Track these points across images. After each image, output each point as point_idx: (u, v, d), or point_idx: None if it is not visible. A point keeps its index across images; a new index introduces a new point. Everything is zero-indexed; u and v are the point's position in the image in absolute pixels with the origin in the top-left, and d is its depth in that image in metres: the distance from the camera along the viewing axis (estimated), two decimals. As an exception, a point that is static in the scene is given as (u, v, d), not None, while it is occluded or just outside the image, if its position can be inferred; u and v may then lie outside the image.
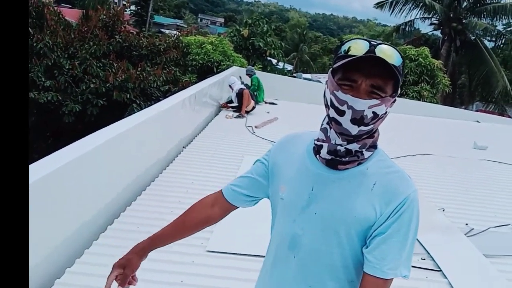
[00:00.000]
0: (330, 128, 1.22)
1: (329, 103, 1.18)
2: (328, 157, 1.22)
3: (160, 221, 3.45)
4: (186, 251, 3.11)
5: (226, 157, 5.61)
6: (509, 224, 4.30)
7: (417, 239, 3.55)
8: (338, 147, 1.20)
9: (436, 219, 4.23)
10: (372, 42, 1.13)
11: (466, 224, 4.20)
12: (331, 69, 1.19)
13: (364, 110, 1.13)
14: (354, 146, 1.19)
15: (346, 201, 1.21)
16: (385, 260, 1.17)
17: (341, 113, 1.15)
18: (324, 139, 1.23)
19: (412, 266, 3.20)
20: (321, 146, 1.23)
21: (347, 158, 1.20)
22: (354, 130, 1.16)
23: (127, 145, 3.98)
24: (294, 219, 1.28)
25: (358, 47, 1.13)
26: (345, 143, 1.19)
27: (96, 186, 3.41)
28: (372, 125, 1.17)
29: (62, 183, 2.82)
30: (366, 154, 1.22)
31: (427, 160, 6.58)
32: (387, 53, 1.11)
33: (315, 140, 1.28)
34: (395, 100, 1.19)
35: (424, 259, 3.40)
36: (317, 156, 1.26)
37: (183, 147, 5.83)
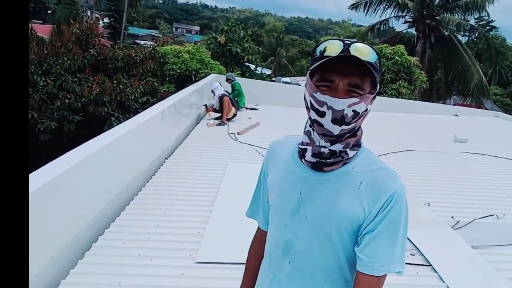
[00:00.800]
0: (313, 130, 1.22)
1: (309, 106, 1.19)
2: (313, 160, 1.22)
3: (146, 235, 3.43)
4: (175, 263, 3.06)
5: (210, 165, 5.56)
6: (493, 215, 4.35)
7: (405, 236, 3.57)
8: (322, 149, 1.20)
9: (422, 214, 4.25)
10: (346, 42, 1.14)
11: (452, 217, 4.23)
12: (308, 71, 1.19)
13: (344, 110, 1.13)
14: (337, 147, 1.19)
15: (334, 202, 1.21)
16: (376, 257, 1.17)
17: (322, 114, 1.15)
18: (308, 141, 1.24)
19: (402, 263, 3.21)
20: (306, 150, 1.23)
21: (331, 160, 1.20)
22: (336, 130, 1.16)
23: (107, 160, 3.89)
24: (286, 225, 1.28)
25: (333, 47, 1.14)
26: (329, 144, 1.19)
27: (77, 204, 3.32)
28: (354, 124, 1.17)
29: (39, 204, 2.73)
30: (351, 153, 1.22)
31: (409, 156, 6.63)
32: (362, 51, 1.12)
33: (299, 144, 1.28)
34: (375, 96, 1.20)
35: (414, 255, 3.40)
36: (302, 160, 1.26)
37: (165, 158, 5.75)
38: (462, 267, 3.29)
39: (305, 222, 1.24)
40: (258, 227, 1.54)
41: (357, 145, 1.24)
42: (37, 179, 2.73)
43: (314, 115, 1.17)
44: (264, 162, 1.46)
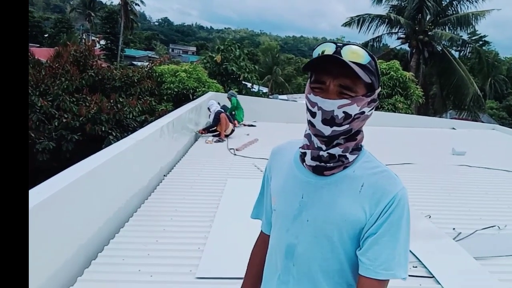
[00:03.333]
0: None
1: (306, 107, 1.21)
2: (313, 163, 1.23)
3: (145, 252, 3.39)
4: (175, 279, 3.02)
5: (209, 181, 5.54)
6: (495, 226, 4.32)
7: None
8: (321, 152, 1.20)
9: (423, 226, 4.23)
10: (338, 44, 1.15)
11: (453, 228, 4.21)
12: (308, 74, 1.24)
13: (333, 110, 1.14)
14: (336, 151, 1.20)
15: (336, 205, 1.20)
16: (378, 261, 1.16)
17: (313, 114, 1.17)
18: (308, 144, 1.25)
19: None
20: (305, 153, 1.25)
21: (331, 164, 1.21)
22: (326, 130, 1.17)
23: (105, 177, 3.87)
24: (288, 229, 1.28)
25: (328, 50, 1.15)
26: (324, 146, 1.20)
27: (76, 222, 3.28)
28: (346, 126, 1.17)
29: (38, 221, 2.70)
30: (351, 157, 1.22)
31: (408, 169, 6.62)
32: (355, 53, 1.13)
33: (300, 147, 1.29)
34: (374, 100, 1.20)
35: (416, 267, 3.37)
36: (304, 163, 1.27)
37: (164, 175, 5.73)
38: (465, 278, 3.25)
39: (307, 226, 1.24)
40: (261, 230, 1.55)
41: (357, 148, 1.25)
42: (36, 196, 2.70)
43: (308, 116, 1.20)
44: (267, 166, 1.47)
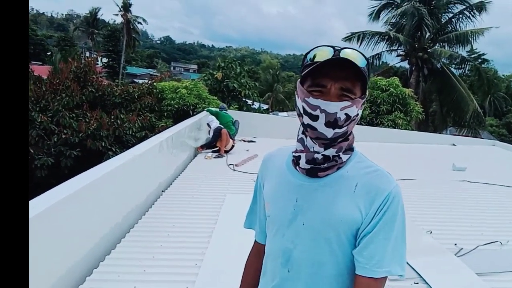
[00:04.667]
0: (306, 136, 1.25)
1: (301, 111, 1.21)
2: (308, 166, 1.23)
3: (141, 268, 3.33)
4: (170, 297, 2.96)
5: (208, 197, 5.49)
6: (497, 241, 4.27)
7: (408, 263, 3.48)
8: (316, 155, 1.21)
9: (424, 241, 4.18)
10: (336, 47, 1.17)
11: (455, 244, 4.15)
12: (299, 78, 1.22)
13: (337, 113, 1.15)
14: (330, 152, 1.21)
15: (331, 206, 1.20)
16: (374, 259, 1.16)
17: (315, 118, 1.17)
18: (302, 149, 1.25)
19: (406, 292, 3.10)
20: (299, 157, 1.25)
21: (325, 165, 1.22)
22: (329, 133, 1.18)
23: (102, 192, 3.83)
24: (283, 234, 1.28)
25: (323, 53, 1.16)
26: (322, 149, 1.21)
27: (71, 238, 3.23)
28: (346, 127, 1.19)
29: (33, 237, 2.66)
30: (344, 157, 1.24)
31: (409, 185, 6.58)
32: (352, 56, 1.15)
33: (293, 152, 1.30)
34: (364, 102, 1.23)
35: (417, 283, 3.31)
36: (297, 167, 1.27)
37: (162, 190, 5.69)
38: (468, 295, 3.19)
39: (303, 230, 1.23)
40: (255, 240, 1.54)
41: (350, 149, 1.26)
42: (30, 210, 2.67)
43: (307, 120, 1.19)
44: (259, 174, 1.47)
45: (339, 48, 1.16)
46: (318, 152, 1.21)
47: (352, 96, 1.16)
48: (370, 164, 1.26)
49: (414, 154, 10.22)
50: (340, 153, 1.22)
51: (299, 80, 1.23)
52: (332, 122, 1.16)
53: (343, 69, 1.12)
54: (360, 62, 1.15)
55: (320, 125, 1.17)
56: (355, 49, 1.18)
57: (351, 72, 1.13)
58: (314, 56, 1.17)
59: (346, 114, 1.16)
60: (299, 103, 1.21)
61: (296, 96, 1.24)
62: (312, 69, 1.14)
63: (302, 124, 1.23)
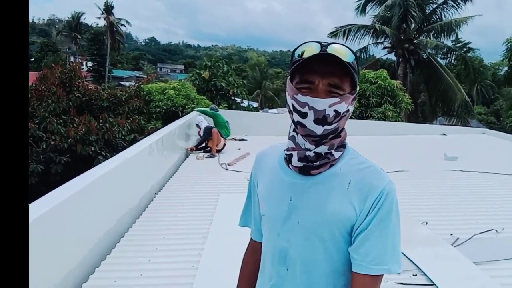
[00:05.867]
0: (297, 134, 1.23)
1: (291, 108, 1.20)
2: (300, 164, 1.22)
3: (138, 272, 3.29)
4: (168, 300, 2.92)
5: (201, 197, 5.45)
6: (492, 229, 4.28)
7: (405, 256, 3.47)
8: (308, 153, 1.20)
9: (420, 233, 4.18)
10: (323, 43, 1.15)
11: (451, 234, 4.16)
12: (289, 75, 1.21)
13: (325, 109, 1.14)
14: (322, 149, 1.20)
15: (325, 204, 1.19)
16: (369, 256, 1.16)
17: (304, 115, 1.16)
18: (294, 146, 1.24)
19: (406, 283, 3.11)
20: (291, 155, 1.24)
21: (318, 162, 1.21)
22: (319, 130, 1.17)
23: (94, 197, 3.77)
24: (279, 233, 1.27)
25: (310, 49, 1.15)
26: (313, 146, 1.19)
27: (65, 245, 3.18)
28: (336, 124, 1.18)
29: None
30: (336, 154, 1.22)
31: (402, 177, 6.60)
32: (339, 51, 1.13)
33: (284, 150, 1.29)
34: (355, 98, 1.22)
35: (416, 275, 3.31)
36: (289, 165, 1.26)
37: (155, 193, 5.63)
38: (466, 284, 3.20)
39: (298, 228, 1.23)
40: (251, 238, 1.53)
41: (342, 146, 1.25)
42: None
43: (296, 117, 1.18)
44: (252, 172, 1.46)
45: (326, 44, 1.15)
46: (309, 150, 1.20)
47: (341, 92, 1.15)
48: (363, 160, 1.25)
49: (405, 146, 10.26)
50: (332, 150, 1.21)
51: (288, 77, 1.21)
52: (321, 119, 1.15)
53: (330, 65, 1.11)
54: (348, 57, 1.14)
55: (309, 122, 1.16)
56: (343, 44, 1.17)
57: (338, 67, 1.12)
58: (303, 53, 1.16)
59: (335, 110, 1.15)
60: (289, 100, 1.20)
61: (286, 93, 1.23)
62: (299, 65, 1.13)
63: (293, 121, 1.22)
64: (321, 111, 1.14)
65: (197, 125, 9.20)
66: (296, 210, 1.23)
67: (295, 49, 1.20)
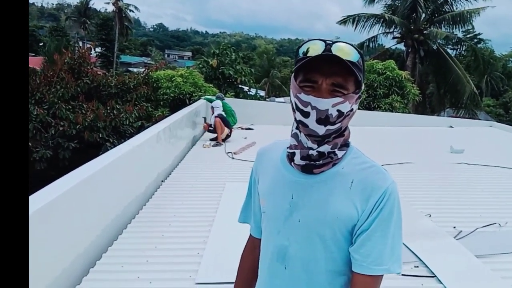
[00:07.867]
0: (300, 132, 1.22)
1: (294, 107, 1.19)
2: (302, 162, 1.21)
3: (144, 258, 3.36)
4: (174, 285, 3.00)
5: (208, 186, 5.51)
6: (495, 223, 4.30)
7: (408, 247, 3.51)
8: (310, 152, 1.19)
9: (423, 225, 4.20)
10: (328, 42, 1.13)
11: (454, 227, 4.19)
12: (293, 73, 1.20)
13: (328, 109, 1.12)
14: (325, 148, 1.19)
15: (327, 203, 1.19)
16: (370, 257, 1.15)
17: (306, 114, 1.15)
18: (296, 144, 1.23)
19: (407, 275, 3.16)
20: (294, 153, 1.23)
21: (320, 161, 1.20)
22: (321, 130, 1.16)
23: (102, 183, 3.83)
24: (279, 230, 1.26)
25: (315, 47, 1.13)
26: (316, 145, 1.18)
27: (73, 230, 3.25)
28: (339, 124, 1.16)
29: (34, 230, 2.67)
30: (339, 153, 1.21)
31: (407, 169, 6.61)
32: (344, 50, 1.12)
33: (287, 148, 1.28)
34: (360, 96, 1.20)
35: (418, 267, 3.34)
36: (292, 163, 1.25)
37: (162, 180, 5.70)
38: (467, 277, 3.23)
39: (299, 226, 1.22)
40: (250, 234, 1.52)
41: (345, 145, 1.24)
42: (30, 205, 2.67)
43: (299, 116, 1.17)
44: (253, 168, 1.44)
45: (331, 42, 1.13)
46: (312, 149, 1.19)
47: (345, 92, 1.13)
48: (366, 160, 1.24)
49: (412, 138, 10.24)
50: (336, 150, 1.20)
51: (292, 74, 1.20)
52: (323, 119, 1.13)
53: (334, 64, 1.09)
54: (353, 56, 1.12)
55: (311, 122, 1.15)
56: (348, 43, 1.15)
57: (343, 67, 1.09)
58: (307, 50, 1.14)
59: (338, 110, 1.13)
60: (292, 99, 1.19)
61: (290, 90, 1.22)
62: (303, 64, 1.12)
63: (295, 119, 1.21)
64: (323, 111, 1.12)
65: (212, 108, 9.19)
66: (298, 209, 1.22)
67: (300, 47, 1.18)
